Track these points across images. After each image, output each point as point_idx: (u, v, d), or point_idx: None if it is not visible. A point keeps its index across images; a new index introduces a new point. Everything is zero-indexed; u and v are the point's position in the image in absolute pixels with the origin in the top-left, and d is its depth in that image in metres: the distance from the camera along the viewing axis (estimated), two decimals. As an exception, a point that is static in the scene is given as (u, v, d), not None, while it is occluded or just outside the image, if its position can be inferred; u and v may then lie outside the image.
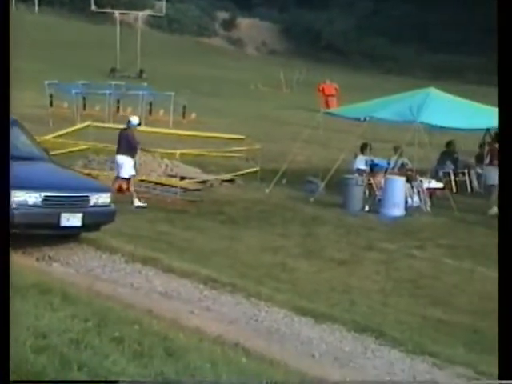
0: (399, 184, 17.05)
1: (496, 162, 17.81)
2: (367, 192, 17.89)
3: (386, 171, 18.28)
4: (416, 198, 17.63)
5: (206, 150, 22.45)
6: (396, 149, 18.81)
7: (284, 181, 19.06)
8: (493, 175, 17.69)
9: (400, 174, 17.80)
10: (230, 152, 22.90)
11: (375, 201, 17.43)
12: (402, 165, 18.68)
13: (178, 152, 19.66)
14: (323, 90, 38.42)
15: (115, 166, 16.90)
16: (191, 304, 10.17)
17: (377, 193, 17.76)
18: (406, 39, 60.93)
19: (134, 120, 16.76)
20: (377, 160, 19.05)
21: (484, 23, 59.86)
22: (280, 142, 25.55)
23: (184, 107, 30.35)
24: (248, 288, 10.95)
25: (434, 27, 61.07)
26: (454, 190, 19.23)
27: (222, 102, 38.78)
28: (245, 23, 74.71)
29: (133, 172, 16.56)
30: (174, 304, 10.10)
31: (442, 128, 18.59)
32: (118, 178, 16.54)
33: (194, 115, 31.06)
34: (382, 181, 17.79)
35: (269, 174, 19.30)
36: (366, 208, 17.08)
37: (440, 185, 18.45)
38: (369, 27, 63.74)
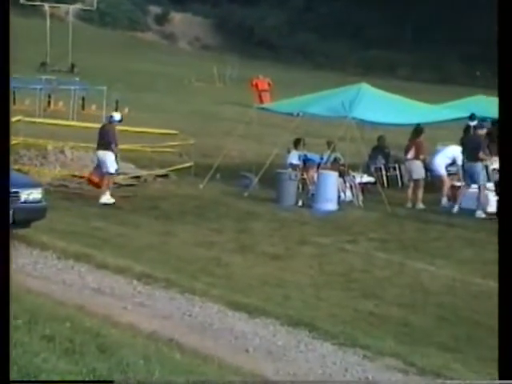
0: (332, 179, 17.21)
1: (421, 156, 18.10)
2: (300, 187, 18.01)
3: (318, 166, 18.42)
4: (348, 193, 17.83)
5: (139, 145, 22.31)
6: (329, 144, 18.98)
7: (218, 176, 19.07)
8: (418, 169, 17.99)
9: (333, 169, 17.96)
10: (164, 147, 22.79)
11: (308, 195, 17.57)
12: (335, 160, 18.85)
13: (111, 147, 19.46)
14: (256, 85, 38.54)
15: (96, 161, 16.80)
16: (124, 300, 10.11)
17: (310, 187, 17.90)
18: (338, 35, 61.45)
19: (116, 116, 16.88)
20: (310, 155, 19.18)
21: (415, 20, 60.74)
22: (214, 136, 25.55)
23: (117, 102, 30.08)
24: (182, 283, 10.94)
25: (364, 24, 61.70)
26: (386, 184, 19.49)
27: (156, 97, 38.57)
28: (178, 18, 74.38)
29: (116, 167, 16.60)
30: (106, 300, 10.03)
31: (373, 123, 18.83)
32: (104, 173, 16.37)
33: (126, 110, 30.78)
34: (315, 175, 17.94)
35: (203, 169, 19.28)
36: (300, 203, 17.20)
37: (372, 179, 18.68)
38: (300, 23, 64.09)
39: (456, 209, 17.08)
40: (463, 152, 17.72)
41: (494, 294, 11.34)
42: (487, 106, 20.38)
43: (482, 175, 17.14)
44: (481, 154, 17.18)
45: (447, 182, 18.03)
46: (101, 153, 16.55)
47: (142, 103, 33.89)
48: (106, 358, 6.83)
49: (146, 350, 7.52)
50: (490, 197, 16.93)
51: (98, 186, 16.51)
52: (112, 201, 16.28)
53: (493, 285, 11.76)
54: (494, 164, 18.12)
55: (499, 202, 6.54)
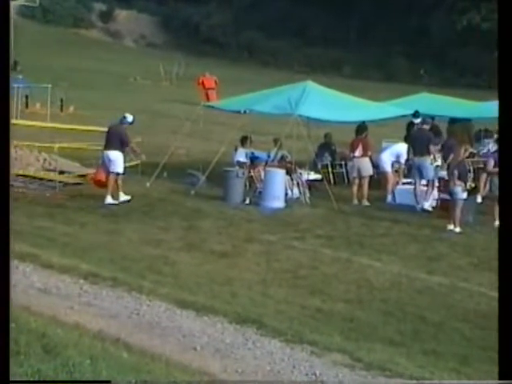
0: (279, 176, 17.26)
1: (369, 153, 18.27)
2: (248, 184, 18.04)
3: (266, 164, 18.46)
4: (296, 190, 17.90)
5: (85, 143, 22.10)
6: (275, 141, 19.04)
7: (165, 174, 18.99)
8: (367, 166, 18.15)
9: (280, 167, 18.02)
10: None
11: (255, 193, 17.60)
12: (282, 157, 18.91)
13: (57, 146, 19.28)
14: (203, 82, 38.44)
15: (105, 161, 16.77)
16: (71, 299, 10.03)
17: (257, 185, 17.93)
18: (283, 33, 61.61)
19: (129, 117, 17.14)
20: (257, 152, 19.21)
21: (360, 18, 61.25)
22: (160, 135, 25.44)
23: (62, 100, 29.77)
24: (129, 282, 10.89)
25: (310, 22, 62.01)
26: (332, 181, 19.62)
27: (101, 95, 38.25)
28: (123, 15, 73.79)
29: (122, 167, 16.80)
30: (52, 300, 9.94)
31: (319, 121, 18.93)
32: (112, 173, 16.54)
33: (72, 108, 30.52)
34: (262, 173, 17.98)
35: (150, 167, 19.17)
36: (247, 200, 17.22)
37: (319, 177, 18.78)
38: (246, 21, 64.14)
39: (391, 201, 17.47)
40: (411, 148, 17.91)
41: (437, 289, 11.54)
42: (431, 103, 20.70)
43: (431, 170, 17.39)
44: (431, 148, 17.43)
45: (392, 179, 18.23)
46: (111, 153, 16.69)
47: (88, 101, 33.57)
48: (51, 359, 6.77)
49: (92, 349, 7.47)
50: (428, 192, 17.24)
51: (103, 185, 16.64)
52: (128, 198, 16.59)
53: (437, 280, 11.97)
54: (438, 160, 18.40)
55: (499, 202, 6.57)
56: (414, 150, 17.70)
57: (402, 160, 18.33)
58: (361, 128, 18.48)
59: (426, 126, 18.18)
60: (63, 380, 6.14)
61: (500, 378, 6.04)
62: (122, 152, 16.80)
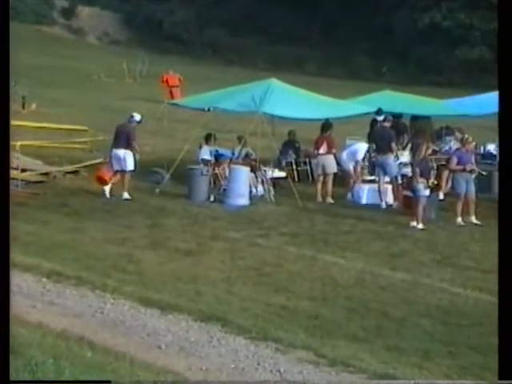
0: (243, 174, 17.28)
1: (333, 150, 18.33)
2: (212, 182, 18.02)
3: (230, 161, 18.46)
4: (260, 188, 17.92)
5: (47, 141, 21.92)
6: (240, 139, 19.04)
7: (129, 172, 18.89)
8: (332, 164, 18.22)
9: (244, 164, 18.03)
10: (73, 143, 22.45)
11: (220, 191, 17.60)
12: (246, 155, 18.92)
13: (19, 144, 19.09)
14: (167, 80, 38.26)
15: (113, 159, 17.25)
16: (33, 298, 9.97)
17: (222, 183, 17.93)
18: (247, 31, 61.54)
19: (137, 116, 17.50)
20: (221, 150, 19.20)
21: (323, 16, 61.45)
22: (124, 132, 25.25)
23: (23, 97, 29.46)
24: (93, 280, 10.85)
25: (273, 20, 62.06)
26: (297, 179, 19.67)
27: (64, 93, 37.93)
28: (85, 12, 73.20)
29: (133, 165, 17.28)
30: (15, 299, 9.83)
31: (283, 118, 18.96)
32: (117, 171, 17.16)
33: (34, 106, 30.24)
34: (227, 171, 17.98)
35: (113, 165, 19.06)
36: (212, 198, 17.21)
37: (283, 174, 18.82)
38: (210, 18, 63.94)
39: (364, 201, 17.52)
40: (374, 145, 18.05)
41: (400, 285, 11.64)
42: (393, 101, 20.84)
43: (394, 167, 17.53)
44: (393, 146, 17.57)
45: (353, 177, 18.32)
46: (120, 151, 17.13)
47: (50, 99, 33.29)
48: (13, 359, 6.71)
49: (55, 349, 7.44)
50: (388, 190, 17.37)
51: (104, 182, 17.11)
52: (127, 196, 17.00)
53: (400, 276, 12.07)
54: (401, 158, 18.56)
55: (499, 202, 6.56)
56: (376, 148, 17.84)
57: (359, 158, 18.45)
58: (325, 125, 18.54)
59: (388, 124, 18.36)
60: (64, 380, 6.11)
61: (500, 378, 6.09)
62: (131, 150, 17.22)
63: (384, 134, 17.87)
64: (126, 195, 17.03)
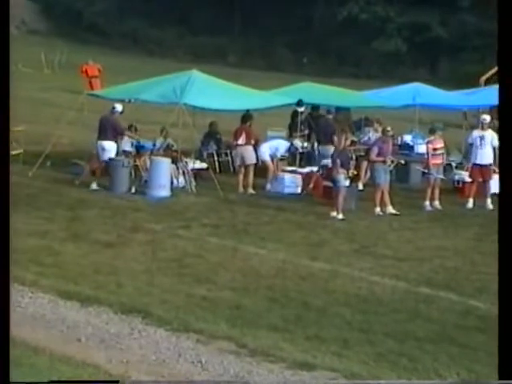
0: (165, 165, 17.23)
1: (252, 141, 18.42)
2: (133, 173, 17.94)
3: (151, 152, 18.40)
4: (181, 179, 17.90)
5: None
6: (161, 130, 18.97)
7: (48, 163, 18.67)
8: (250, 155, 18.31)
9: (165, 155, 17.99)
10: (-10, 134, 21.98)
11: (141, 182, 17.52)
12: (168, 146, 18.86)
13: None
14: (86, 71, 37.83)
15: (98, 151, 17.61)
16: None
17: (143, 174, 17.85)
18: (168, 22, 61.15)
19: (118, 107, 17.89)
20: (142, 141, 19.11)
21: (243, 7, 61.52)
22: (43, 124, 24.94)
23: None
24: (12, 274, 10.65)
25: (193, 10, 61.82)
26: (218, 170, 19.71)
27: (-20, 83, 37.11)
28: (2, 0, 71.78)
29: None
30: None
31: (204, 109, 18.98)
32: (104, 162, 17.55)
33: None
34: (148, 162, 17.91)
35: (32, 156, 18.80)
36: (133, 189, 17.14)
37: (204, 165, 18.84)
38: (130, 8, 63.32)
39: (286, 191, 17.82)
40: (316, 137, 19.00)
41: (320, 274, 11.79)
42: (314, 92, 21.08)
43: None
44: (335, 138, 17.89)
45: (271, 168, 18.48)
46: (105, 143, 17.55)
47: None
48: None
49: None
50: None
51: (94, 173, 17.65)
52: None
53: (320, 266, 12.23)
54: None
55: (499, 201, 6.60)
56: (319, 139, 19.13)
57: (278, 155, 18.75)
58: (245, 116, 18.63)
59: (330, 116, 19.06)
60: (67, 380, 6.02)
61: (500, 378, 6.17)
62: (115, 141, 17.66)
63: (326, 126, 18.94)
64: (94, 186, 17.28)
